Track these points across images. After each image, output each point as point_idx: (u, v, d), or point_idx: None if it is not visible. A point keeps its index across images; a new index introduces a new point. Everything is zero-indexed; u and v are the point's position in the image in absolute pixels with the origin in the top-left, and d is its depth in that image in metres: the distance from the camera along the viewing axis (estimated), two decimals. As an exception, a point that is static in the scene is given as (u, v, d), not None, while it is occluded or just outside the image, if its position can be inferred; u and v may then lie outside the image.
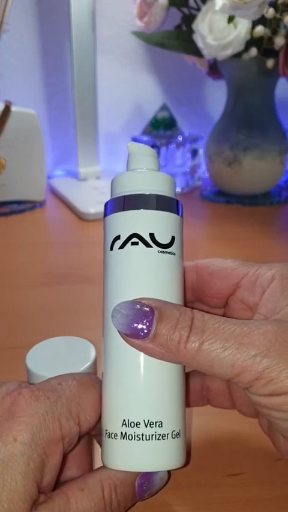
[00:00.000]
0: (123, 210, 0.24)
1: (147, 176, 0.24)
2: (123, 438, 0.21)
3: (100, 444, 0.23)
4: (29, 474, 0.19)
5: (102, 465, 0.22)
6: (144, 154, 0.25)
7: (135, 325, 0.21)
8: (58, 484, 0.22)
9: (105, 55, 0.80)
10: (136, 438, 0.21)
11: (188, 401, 0.28)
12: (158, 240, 0.23)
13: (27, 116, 0.67)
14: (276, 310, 0.23)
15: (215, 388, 0.28)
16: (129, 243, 0.23)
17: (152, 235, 0.23)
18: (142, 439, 0.21)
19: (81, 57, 0.72)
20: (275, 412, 0.20)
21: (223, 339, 0.20)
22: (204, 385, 0.28)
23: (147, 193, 0.24)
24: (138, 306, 0.21)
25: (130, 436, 0.21)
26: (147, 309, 0.21)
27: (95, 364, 0.27)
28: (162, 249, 0.23)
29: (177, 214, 0.24)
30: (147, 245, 0.23)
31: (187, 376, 0.27)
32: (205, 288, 0.26)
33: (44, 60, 0.80)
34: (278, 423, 0.21)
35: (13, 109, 0.65)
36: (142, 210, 0.23)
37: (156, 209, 0.23)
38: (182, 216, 0.25)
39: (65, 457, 0.22)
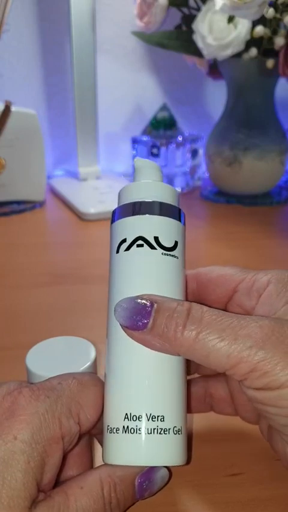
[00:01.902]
0: (129, 216, 0.25)
1: (152, 186, 0.26)
2: (125, 432, 0.21)
3: (101, 443, 0.23)
4: (29, 472, 0.19)
5: (102, 464, 0.22)
6: (149, 167, 0.26)
7: (135, 317, 0.22)
8: (58, 483, 0.22)
9: (105, 55, 0.80)
10: (138, 431, 0.21)
11: (191, 407, 0.28)
12: (162, 243, 0.24)
13: (27, 116, 0.67)
14: (272, 312, 0.23)
15: (217, 395, 0.28)
16: (135, 245, 0.24)
17: (156, 238, 0.24)
18: (144, 433, 0.21)
19: (81, 57, 0.72)
20: (270, 408, 0.21)
21: (220, 330, 0.20)
22: (207, 392, 0.28)
23: (152, 200, 0.25)
24: (138, 300, 0.22)
25: (132, 430, 0.21)
26: (147, 302, 0.22)
27: (95, 364, 0.27)
28: (166, 252, 0.24)
29: (180, 222, 0.25)
30: (152, 247, 0.24)
31: (190, 383, 0.28)
32: (204, 294, 0.27)
33: (44, 61, 0.80)
34: (275, 419, 0.21)
35: (13, 109, 0.65)
36: (147, 215, 0.24)
37: (161, 215, 0.25)
38: (184, 225, 0.26)
39: (65, 457, 0.22)
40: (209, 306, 0.27)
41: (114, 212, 0.26)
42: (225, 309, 0.27)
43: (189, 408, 0.28)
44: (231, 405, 0.27)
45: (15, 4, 0.66)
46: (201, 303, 0.27)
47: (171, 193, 0.26)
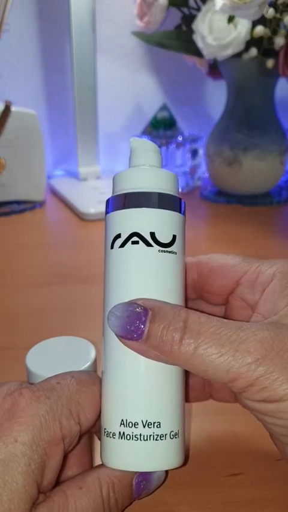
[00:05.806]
0: (124, 208, 0.23)
1: (149, 173, 0.24)
2: (121, 438, 0.21)
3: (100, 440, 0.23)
4: (30, 474, 0.19)
5: (101, 463, 0.23)
6: (147, 149, 0.24)
7: (129, 327, 0.21)
8: (58, 483, 0.22)
9: (105, 55, 0.80)
10: (134, 438, 0.21)
11: (189, 396, 0.28)
12: (159, 239, 0.23)
13: (27, 116, 0.67)
14: (274, 311, 0.23)
15: (217, 384, 0.27)
16: (130, 241, 0.23)
17: (152, 234, 0.23)
18: (140, 439, 0.21)
19: (81, 57, 0.72)
20: (268, 418, 0.21)
21: (219, 345, 0.20)
22: (206, 381, 0.28)
23: (149, 191, 0.23)
24: (132, 308, 0.21)
25: (128, 436, 0.21)
26: (141, 310, 0.21)
27: (95, 364, 0.27)
28: (163, 248, 0.23)
29: (180, 212, 0.24)
30: (148, 244, 0.23)
31: (188, 373, 0.27)
32: (205, 284, 0.26)
33: (44, 61, 0.80)
34: (273, 429, 0.21)
35: (13, 109, 0.65)
36: (143, 208, 0.23)
37: (158, 207, 0.23)
38: (184, 214, 0.24)
39: (65, 457, 0.22)
40: (211, 297, 0.27)
41: (108, 202, 0.24)
42: (227, 302, 0.26)
43: (188, 398, 0.27)
44: (231, 394, 0.27)
45: (15, 4, 0.66)
46: (202, 294, 0.27)
47: (170, 181, 0.24)
